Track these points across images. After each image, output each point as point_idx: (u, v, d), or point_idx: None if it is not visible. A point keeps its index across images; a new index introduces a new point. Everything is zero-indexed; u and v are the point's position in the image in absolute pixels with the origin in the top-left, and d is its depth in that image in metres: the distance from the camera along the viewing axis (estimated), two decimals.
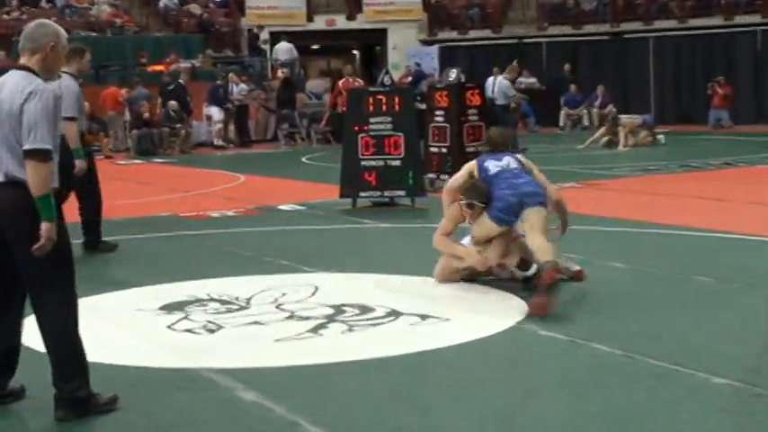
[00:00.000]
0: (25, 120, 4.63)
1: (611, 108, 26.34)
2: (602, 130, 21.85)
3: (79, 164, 9.21)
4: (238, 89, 24.95)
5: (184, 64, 26.35)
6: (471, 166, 7.77)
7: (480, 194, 7.48)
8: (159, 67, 26.26)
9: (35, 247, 4.59)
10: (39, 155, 4.60)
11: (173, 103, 23.53)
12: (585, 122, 27.63)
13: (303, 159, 20.68)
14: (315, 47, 36.00)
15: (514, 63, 21.54)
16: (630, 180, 15.12)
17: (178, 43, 28.00)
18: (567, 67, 28.78)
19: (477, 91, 14.21)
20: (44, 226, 4.61)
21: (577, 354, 5.69)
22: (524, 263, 7.37)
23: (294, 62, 27.73)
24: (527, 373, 5.38)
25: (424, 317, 6.64)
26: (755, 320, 6.34)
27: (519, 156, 7.88)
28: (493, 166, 7.60)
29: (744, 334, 6.01)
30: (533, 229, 7.18)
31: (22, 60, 4.81)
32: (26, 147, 4.62)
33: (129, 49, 26.62)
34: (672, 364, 5.35)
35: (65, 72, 9.47)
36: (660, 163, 17.56)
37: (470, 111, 13.91)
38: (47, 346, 4.78)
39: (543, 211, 7.34)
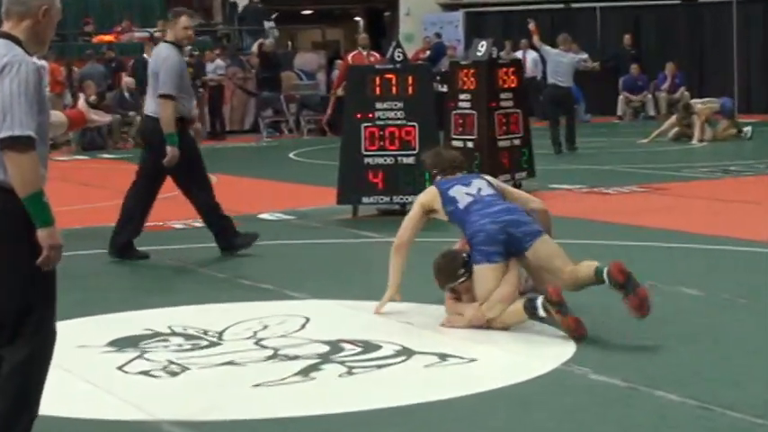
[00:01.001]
0: None
1: (682, 92, 26.37)
2: (672, 120, 21.87)
3: (170, 151, 9.85)
4: (213, 66, 25.03)
5: (140, 33, 26.45)
6: (429, 197, 7.72)
7: (450, 274, 7.43)
8: (108, 38, 26.38)
9: (39, 261, 4.61)
10: (17, 144, 4.57)
11: (129, 80, 23.60)
12: (650, 111, 27.66)
13: (291, 155, 20.70)
14: (306, 12, 36.10)
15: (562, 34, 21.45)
16: (706, 184, 15.14)
17: (132, 6, 28.11)
18: (626, 39, 28.83)
19: (512, 69, 14.26)
20: (42, 234, 4.60)
21: (639, 404, 5.70)
22: (530, 301, 7.17)
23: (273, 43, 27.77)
24: (575, 427, 5.39)
25: (443, 356, 6.66)
26: None
27: (488, 177, 7.85)
28: (462, 195, 7.57)
29: None
30: (552, 260, 7.27)
31: (6, 27, 4.79)
32: (1, 134, 4.58)
33: (71, 14, 26.73)
34: (757, 418, 5.37)
35: (164, 41, 10.19)
36: (744, 162, 17.57)
37: (504, 94, 13.96)
38: (2, 384, 4.77)
39: (546, 240, 7.37)
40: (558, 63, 19.53)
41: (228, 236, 10.25)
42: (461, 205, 7.55)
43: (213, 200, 10.27)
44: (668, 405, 5.64)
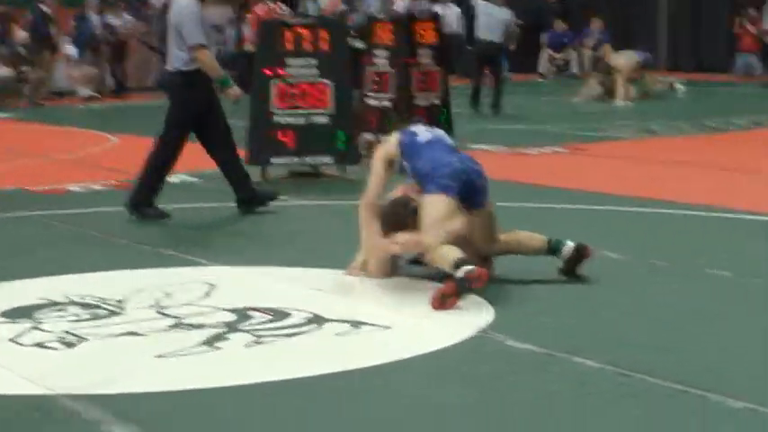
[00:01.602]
0: None
1: (604, 49, 26.54)
2: (596, 79, 22.02)
3: (232, 91, 10.36)
4: (124, 21, 24.75)
5: None
6: (389, 142, 7.77)
7: (398, 221, 7.43)
8: None
9: None
10: None
11: (22, 33, 23.27)
12: (574, 68, 27.84)
13: None
14: None
15: None
16: (629, 144, 15.31)
17: None
18: None
19: (431, 24, 14.27)
20: None
21: (558, 371, 5.77)
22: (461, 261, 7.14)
23: None
24: (492, 397, 5.44)
25: (356, 324, 6.68)
26: None
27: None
28: (423, 131, 7.74)
29: None
30: (494, 222, 7.64)
31: None
32: None
33: None
34: (678, 384, 5.46)
35: None
36: (670, 122, 17.77)
37: (422, 51, 13.98)
38: None
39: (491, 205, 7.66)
40: (491, 17, 19.40)
41: (248, 188, 10.53)
42: (422, 138, 7.62)
43: (234, 153, 10.56)
44: (587, 372, 5.72)
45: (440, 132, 7.84)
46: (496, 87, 19.56)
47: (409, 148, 7.62)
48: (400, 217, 7.45)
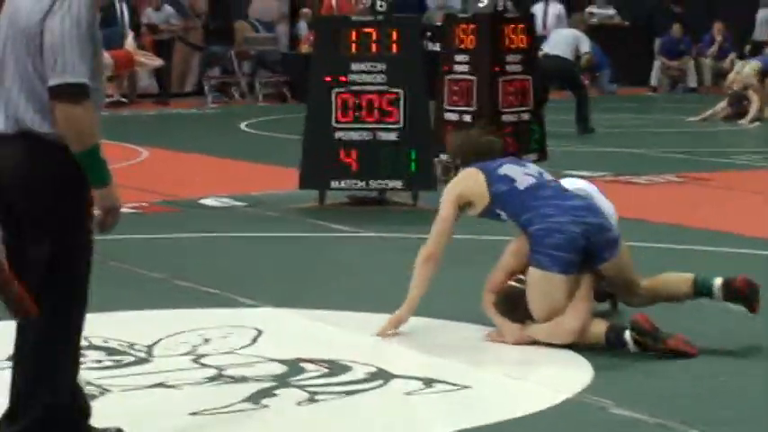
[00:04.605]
0: (47, 42, 4.83)
1: (732, 58, 26.34)
2: (723, 103, 21.69)
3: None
4: (163, 15, 24.79)
5: None
6: (468, 182, 7.53)
7: (514, 306, 7.38)
8: None
9: (95, 225, 4.92)
10: (69, 93, 4.82)
11: None
12: (691, 82, 27.63)
13: (242, 126, 20.65)
14: None
15: None
16: (761, 174, 15.17)
17: None
18: None
19: (522, 25, 14.26)
20: (99, 194, 4.98)
21: None
22: (615, 330, 7.18)
23: None
24: None
25: (428, 382, 6.66)
26: None
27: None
28: (519, 174, 7.48)
29: None
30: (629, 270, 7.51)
31: None
32: (51, 82, 4.83)
33: None
34: None
35: None
36: None
37: (510, 57, 13.95)
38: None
39: (625, 248, 7.54)
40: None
41: None
42: (520, 185, 7.40)
43: None
44: None
45: (536, 170, 7.59)
46: (578, 102, 19.18)
47: (507, 200, 7.40)
48: (518, 308, 7.36)
